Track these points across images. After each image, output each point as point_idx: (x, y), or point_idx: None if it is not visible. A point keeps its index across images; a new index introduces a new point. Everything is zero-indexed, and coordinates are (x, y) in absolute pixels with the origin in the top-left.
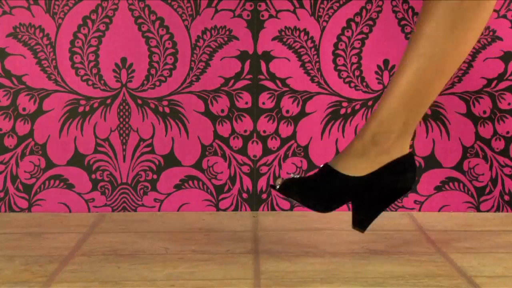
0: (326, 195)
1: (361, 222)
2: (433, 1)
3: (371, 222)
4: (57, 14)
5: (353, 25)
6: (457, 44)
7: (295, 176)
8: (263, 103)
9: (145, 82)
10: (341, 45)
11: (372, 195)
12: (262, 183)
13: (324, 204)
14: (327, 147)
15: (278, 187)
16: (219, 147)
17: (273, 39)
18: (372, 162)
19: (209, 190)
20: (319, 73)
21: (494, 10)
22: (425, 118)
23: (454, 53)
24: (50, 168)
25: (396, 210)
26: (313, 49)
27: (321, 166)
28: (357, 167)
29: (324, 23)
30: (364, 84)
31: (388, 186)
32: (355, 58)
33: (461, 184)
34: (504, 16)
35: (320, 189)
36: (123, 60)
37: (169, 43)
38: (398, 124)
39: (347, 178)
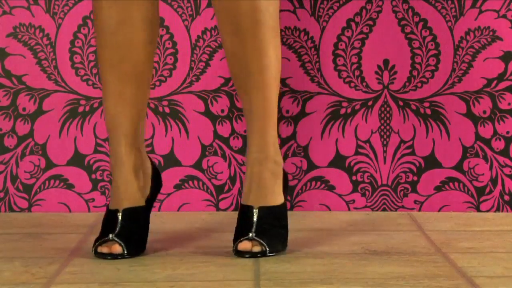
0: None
1: None
2: (223, 34)
3: None
4: (57, 14)
5: (353, 25)
6: (260, 57)
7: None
8: None
9: None
10: (341, 45)
11: None
12: None
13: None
14: (327, 147)
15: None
16: (219, 147)
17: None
18: (281, 180)
19: (209, 190)
20: (319, 73)
21: (494, 10)
22: (425, 118)
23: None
24: (50, 168)
25: (396, 210)
26: (313, 49)
27: (256, 212)
28: (281, 193)
29: (324, 23)
30: (364, 84)
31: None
32: (355, 58)
33: (461, 184)
34: (504, 16)
35: (286, 230)
36: None
37: (169, 43)
38: (275, 135)
39: (284, 205)
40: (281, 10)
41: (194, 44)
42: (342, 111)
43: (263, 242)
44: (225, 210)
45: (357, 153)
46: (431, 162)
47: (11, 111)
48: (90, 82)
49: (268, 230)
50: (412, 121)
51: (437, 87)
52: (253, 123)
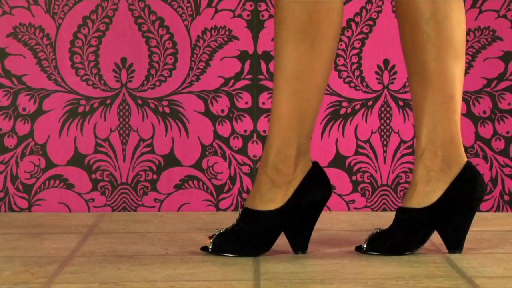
0: (259, 236)
1: (301, 247)
2: (279, 25)
3: (309, 240)
4: (57, 14)
5: (353, 25)
6: (319, 57)
7: (221, 231)
8: (263, 103)
9: (145, 82)
10: (340, 45)
11: (299, 217)
12: None
13: (261, 245)
14: (327, 147)
15: (210, 248)
16: (219, 147)
17: (273, 39)
18: (286, 190)
19: (209, 190)
20: None
21: (494, 10)
22: None
23: (320, 67)
24: (50, 168)
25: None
26: None
27: (241, 209)
28: (274, 200)
29: None
30: (364, 84)
31: (310, 203)
32: (355, 58)
33: None
34: (504, 16)
35: (250, 234)
36: (123, 60)
37: (169, 43)
38: (293, 148)
39: (270, 213)
40: None
41: (194, 44)
42: (342, 111)
43: (207, 237)
44: (225, 210)
45: (357, 153)
46: None
47: (11, 111)
48: (90, 82)
49: (228, 230)
50: (412, 121)
51: None
52: None
